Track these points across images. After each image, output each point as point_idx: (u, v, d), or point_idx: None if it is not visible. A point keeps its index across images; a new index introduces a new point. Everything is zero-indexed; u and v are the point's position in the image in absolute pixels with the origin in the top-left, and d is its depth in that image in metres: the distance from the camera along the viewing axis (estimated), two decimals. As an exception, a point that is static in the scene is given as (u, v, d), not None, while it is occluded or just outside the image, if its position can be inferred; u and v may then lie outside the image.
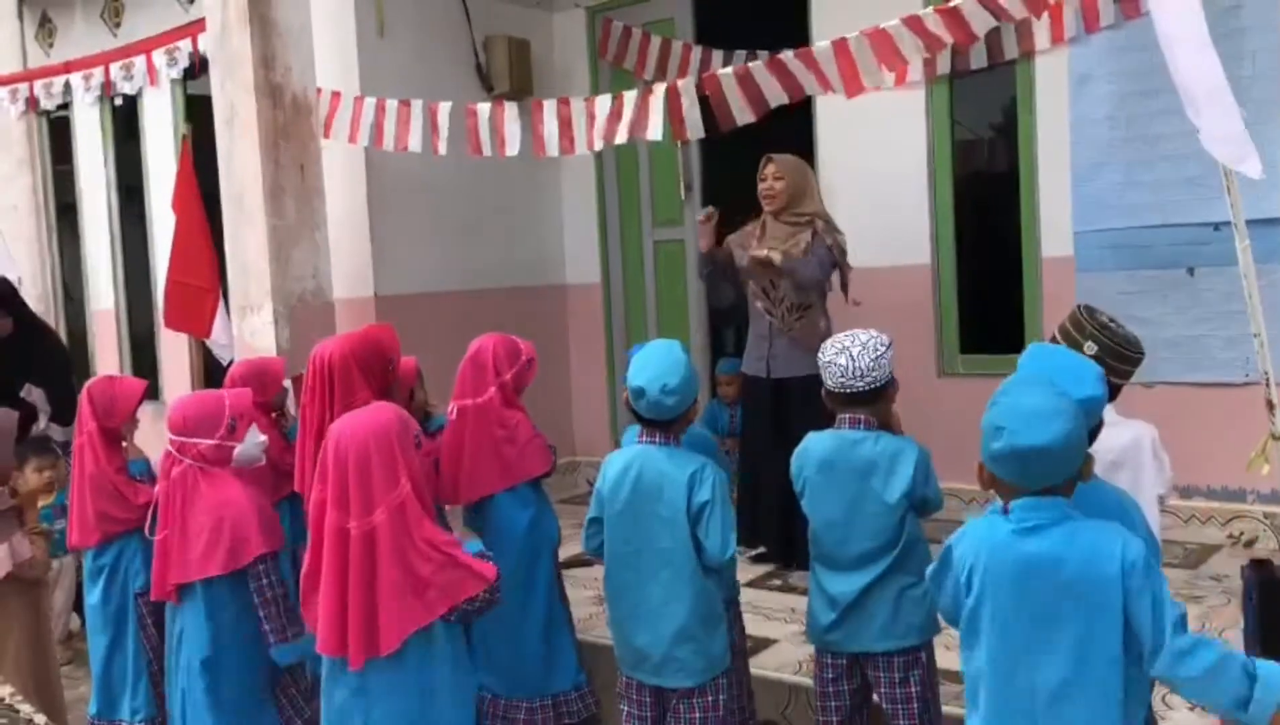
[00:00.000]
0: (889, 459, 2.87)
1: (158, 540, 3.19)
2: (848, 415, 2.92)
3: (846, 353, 2.88)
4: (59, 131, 8.22)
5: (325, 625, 2.60)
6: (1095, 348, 2.65)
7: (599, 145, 4.65)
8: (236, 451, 3.24)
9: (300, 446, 3.54)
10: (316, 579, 2.65)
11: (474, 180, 6.12)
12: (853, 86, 4.23)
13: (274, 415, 4.16)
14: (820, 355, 2.95)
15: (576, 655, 3.88)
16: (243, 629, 3.20)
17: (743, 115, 4.48)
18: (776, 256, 4.57)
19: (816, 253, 4.59)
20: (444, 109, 5.10)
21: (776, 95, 4.44)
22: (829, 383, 2.92)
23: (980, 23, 4.02)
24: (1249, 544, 4.75)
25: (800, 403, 4.43)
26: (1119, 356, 2.64)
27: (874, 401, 2.90)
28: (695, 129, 4.50)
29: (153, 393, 7.46)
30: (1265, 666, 2.05)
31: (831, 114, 5.70)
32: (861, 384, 2.86)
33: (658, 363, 2.91)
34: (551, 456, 3.81)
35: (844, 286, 4.75)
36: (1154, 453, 2.79)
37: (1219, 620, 4.00)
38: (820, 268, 4.60)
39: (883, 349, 2.87)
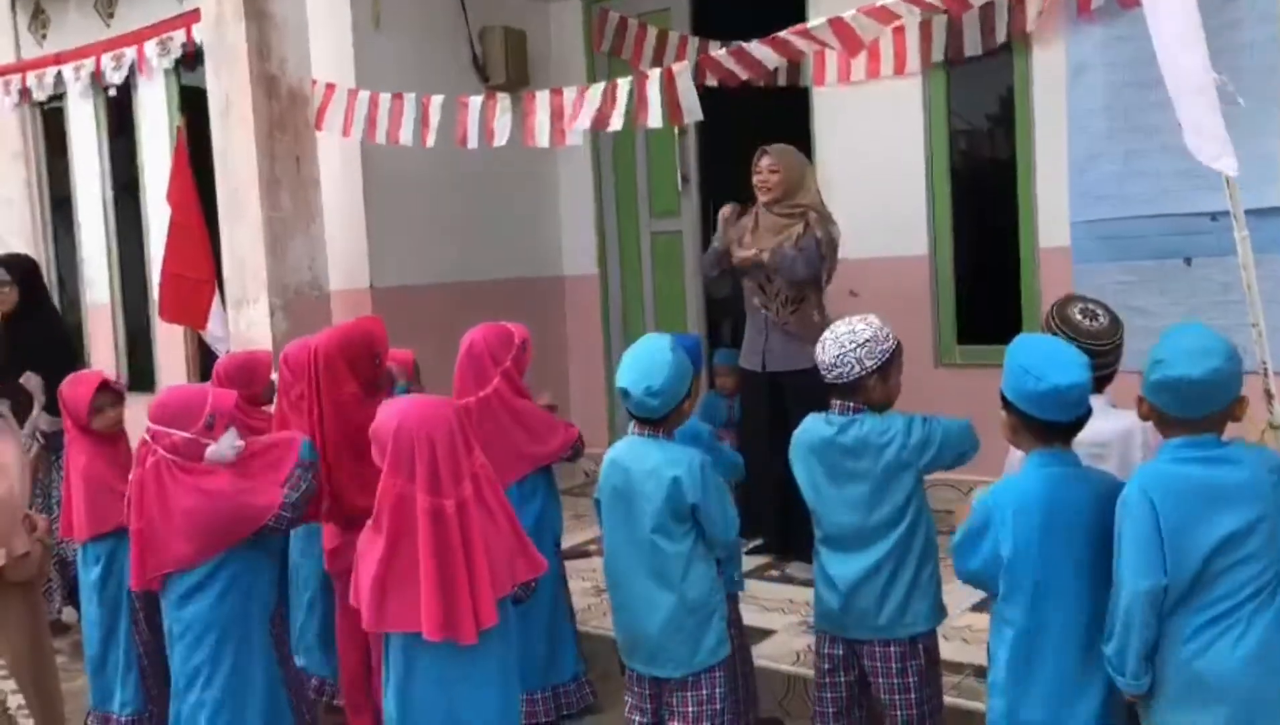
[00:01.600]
0: (877, 438, 2.87)
1: (134, 530, 3.12)
2: (837, 401, 2.94)
3: (822, 345, 2.91)
4: (53, 124, 8.19)
5: (432, 611, 2.55)
6: None
7: (586, 124, 4.62)
8: (209, 449, 3.15)
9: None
10: (399, 571, 2.61)
11: (471, 172, 6.11)
12: (853, 45, 4.24)
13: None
14: None
15: (576, 646, 3.90)
16: (231, 611, 3.17)
17: (744, 73, 4.51)
18: (765, 256, 4.59)
19: (805, 249, 4.58)
20: (436, 102, 5.08)
21: (774, 60, 4.46)
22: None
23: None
24: (1246, 533, 4.75)
25: (796, 396, 4.43)
26: (1090, 352, 2.60)
27: (856, 391, 2.88)
28: (692, 112, 4.50)
29: (148, 386, 7.46)
30: None
31: (828, 105, 5.69)
32: (830, 377, 2.89)
33: (642, 363, 2.91)
34: (572, 433, 3.82)
35: (826, 280, 4.75)
36: (1145, 442, 2.79)
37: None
38: (808, 266, 4.59)
39: (850, 346, 2.84)
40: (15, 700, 3.65)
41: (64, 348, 5.42)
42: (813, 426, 2.98)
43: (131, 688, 3.64)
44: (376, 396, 3.40)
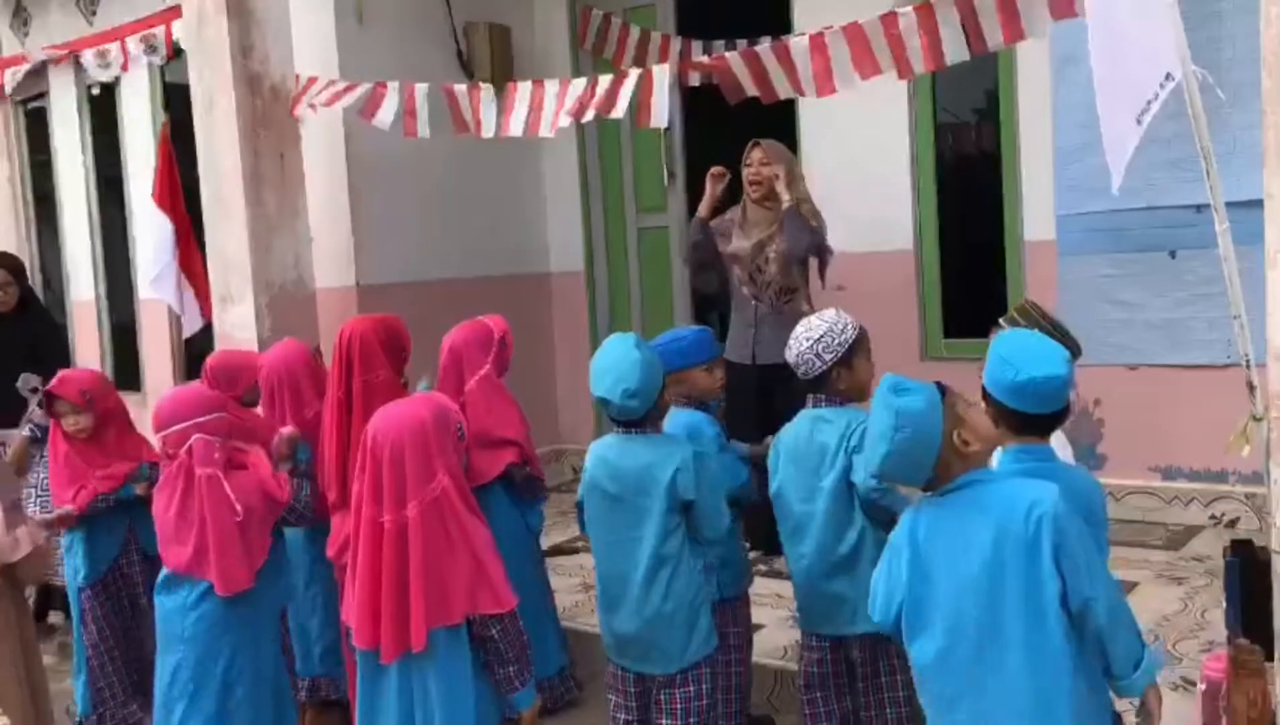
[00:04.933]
0: (838, 436, 2.92)
1: (233, 525, 3.02)
2: (810, 395, 3.04)
3: (788, 346, 3.02)
4: (35, 121, 8.15)
5: (359, 618, 2.57)
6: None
7: (565, 122, 4.59)
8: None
9: (326, 425, 3.52)
10: (351, 573, 2.64)
11: (456, 168, 6.09)
12: (824, 87, 4.20)
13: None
14: None
15: (559, 641, 3.92)
16: (247, 609, 3.15)
17: (731, 94, 4.47)
18: (786, 196, 4.53)
19: (809, 225, 4.57)
20: (420, 90, 5.02)
21: (752, 89, 4.42)
22: None
23: (952, 47, 3.93)
24: (1231, 525, 4.79)
25: (785, 388, 4.43)
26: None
27: (823, 384, 2.98)
28: (660, 118, 4.45)
29: (134, 384, 7.44)
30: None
31: (813, 100, 5.66)
32: (800, 374, 3.01)
33: (614, 369, 2.93)
34: (532, 471, 3.80)
35: (821, 272, 4.75)
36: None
37: (1201, 600, 4.03)
38: (812, 235, 4.54)
39: (806, 344, 2.96)
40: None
41: (62, 345, 5.57)
42: (795, 425, 3.05)
43: (80, 688, 3.64)
44: (403, 388, 3.44)
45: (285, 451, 3.51)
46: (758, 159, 4.67)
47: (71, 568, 3.67)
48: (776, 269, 4.64)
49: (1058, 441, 2.66)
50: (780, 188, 4.58)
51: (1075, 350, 2.83)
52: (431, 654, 2.57)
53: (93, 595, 3.63)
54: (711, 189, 4.78)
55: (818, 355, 2.94)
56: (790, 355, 2.99)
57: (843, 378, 2.97)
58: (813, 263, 4.72)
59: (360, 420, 3.35)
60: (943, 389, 2.20)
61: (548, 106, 4.62)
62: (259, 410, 4.09)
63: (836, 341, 2.94)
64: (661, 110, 4.40)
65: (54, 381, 3.74)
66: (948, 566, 2.16)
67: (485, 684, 2.69)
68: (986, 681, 2.11)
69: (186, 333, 6.36)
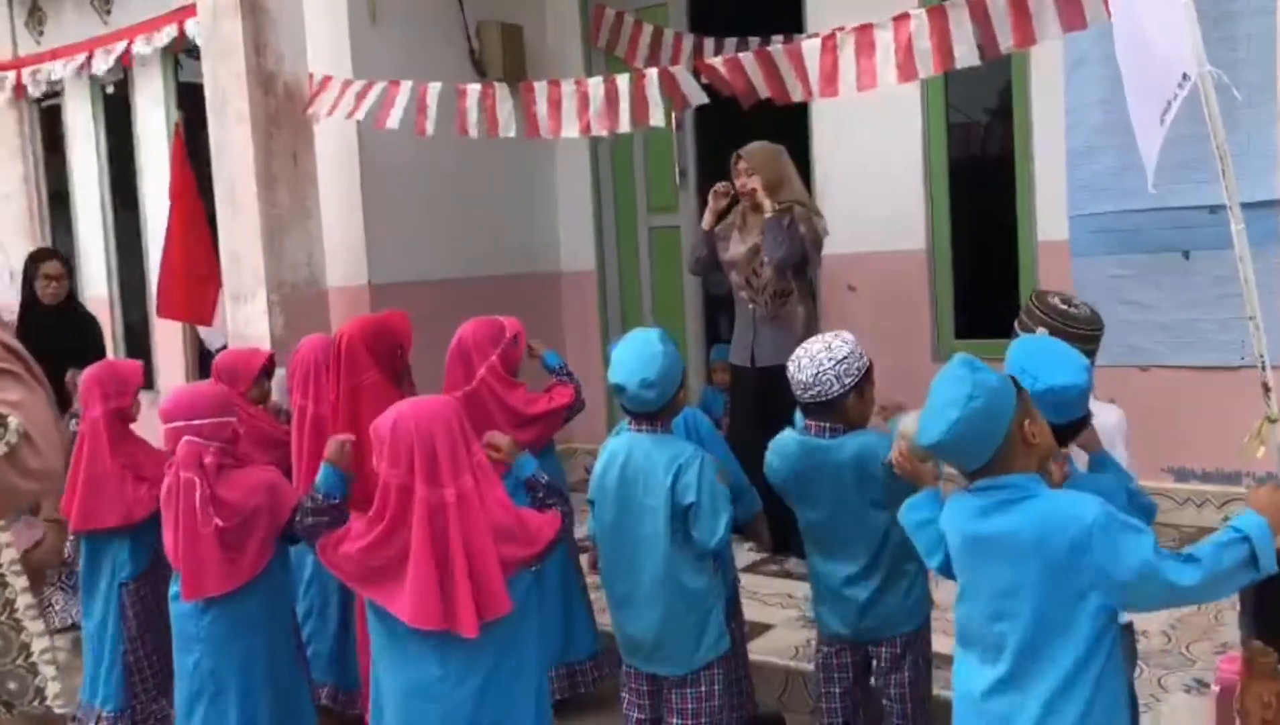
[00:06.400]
0: (859, 461, 2.83)
1: (206, 531, 2.99)
2: (812, 422, 2.90)
3: (796, 362, 2.86)
4: (50, 120, 8.19)
5: (425, 598, 2.53)
6: (1046, 332, 2.66)
7: (598, 131, 4.61)
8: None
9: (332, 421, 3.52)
10: (399, 560, 2.60)
11: (467, 167, 6.10)
12: (828, 88, 4.21)
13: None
14: None
15: (593, 625, 3.90)
16: (261, 609, 3.14)
17: (745, 98, 4.48)
18: (768, 205, 4.55)
19: (791, 235, 4.56)
20: (433, 90, 5.04)
21: (764, 89, 4.42)
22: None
23: (963, 50, 3.91)
24: (1243, 527, 4.76)
25: (785, 391, 4.42)
26: (1072, 336, 2.61)
27: (834, 410, 2.84)
28: (696, 95, 4.47)
29: (147, 381, 7.46)
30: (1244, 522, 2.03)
31: (827, 99, 5.67)
32: (807, 397, 2.84)
33: (635, 357, 2.89)
34: (559, 402, 3.83)
35: (811, 273, 4.75)
36: (1127, 435, 2.82)
37: (1215, 603, 4.01)
38: (790, 244, 4.51)
39: (829, 364, 2.79)
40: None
41: (101, 340, 5.69)
42: (797, 447, 2.93)
43: (114, 684, 3.65)
44: (398, 389, 3.43)
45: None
46: (742, 170, 4.67)
47: (112, 563, 3.66)
48: (771, 273, 4.63)
49: (1109, 434, 2.62)
50: (760, 197, 4.58)
51: (1092, 334, 2.73)
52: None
53: (133, 590, 3.63)
54: (714, 204, 4.81)
55: (838, 377, 2.79)
56: (803, 374, 2.82)
57: (854, 406, 2.84)
58: (815, 260, 4.72)
59: (345, 423, 3.36)
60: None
61: (567, 106, 4.63)
62: (270, 406, 4.13)
63: (856, 366, 2.82)
64: (693, 91, 4.42)
65: (133, 366, 3.79)
66: (983, 571, 2.13)
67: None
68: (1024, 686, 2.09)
69: (213, 347, 6.35)
